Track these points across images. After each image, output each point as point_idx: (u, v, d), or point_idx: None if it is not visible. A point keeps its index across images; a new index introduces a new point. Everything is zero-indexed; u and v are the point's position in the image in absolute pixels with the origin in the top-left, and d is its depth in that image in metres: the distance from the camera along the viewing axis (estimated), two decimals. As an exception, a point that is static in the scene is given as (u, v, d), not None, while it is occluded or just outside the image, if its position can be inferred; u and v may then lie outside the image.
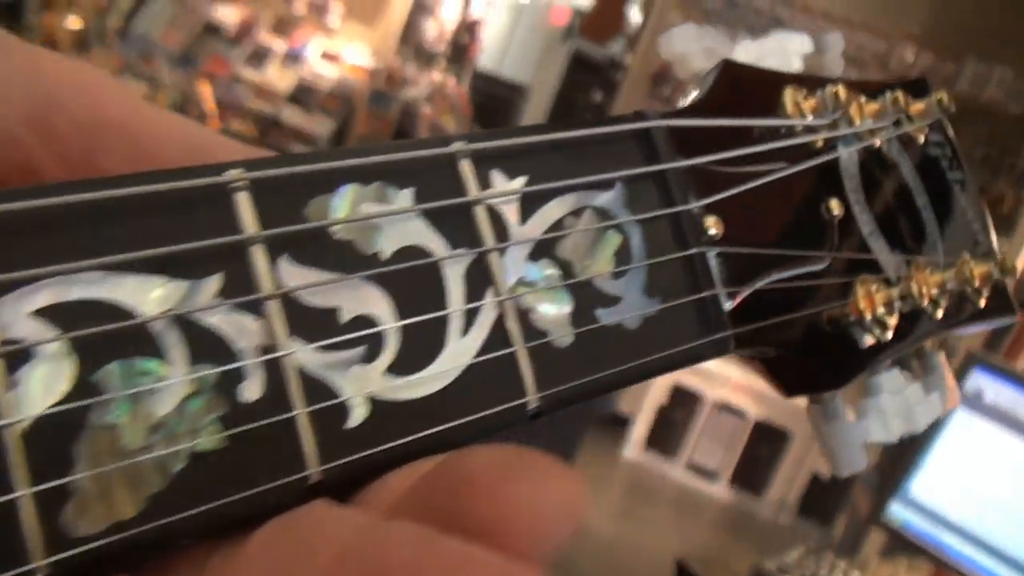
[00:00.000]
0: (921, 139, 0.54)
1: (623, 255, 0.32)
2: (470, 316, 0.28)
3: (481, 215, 0.29)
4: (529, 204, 0.30)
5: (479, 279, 0.29)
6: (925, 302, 0.48)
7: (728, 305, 0.35)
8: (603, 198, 0.32)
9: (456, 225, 0.29)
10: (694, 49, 0.56)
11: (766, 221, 0.39)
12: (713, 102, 0.39)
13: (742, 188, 0.36)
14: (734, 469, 3.94)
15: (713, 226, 0.35)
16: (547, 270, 0.31)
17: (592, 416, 2.68)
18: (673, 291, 0.33)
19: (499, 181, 0.30)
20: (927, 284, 0.47)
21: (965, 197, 0.56)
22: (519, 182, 0.30)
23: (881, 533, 2.16)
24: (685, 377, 3.93)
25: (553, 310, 0.30)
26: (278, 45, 4.83)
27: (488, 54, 5.19)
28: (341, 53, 4.83)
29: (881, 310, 0.43)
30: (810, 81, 0.45)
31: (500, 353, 0.29)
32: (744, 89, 0.42)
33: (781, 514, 3.96)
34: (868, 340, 0.44)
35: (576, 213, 0.32)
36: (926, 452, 1.92)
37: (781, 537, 3.79)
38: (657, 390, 3.99)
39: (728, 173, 0.37)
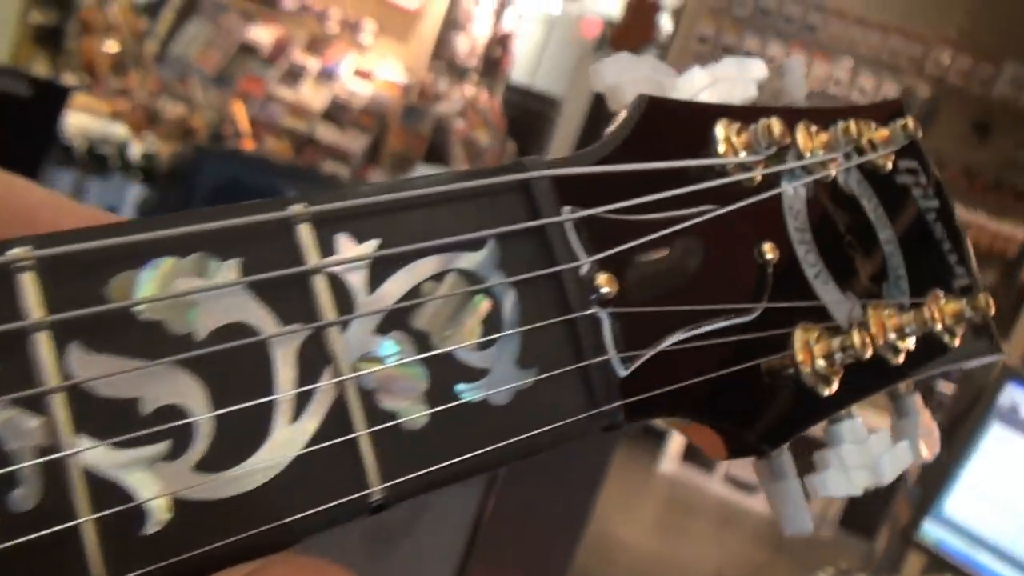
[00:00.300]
0: (888, 166, 0.50)
1: (492, 322, 0.29)
2: (302, 400, 0.26)
3: (320, 285, 0.26)
4: (380, 270, 0.27)
5: (315, 358, 0.26)
6: (876, 349, 0.44)
7: (622, 372, 0.32)
8: (471, 259, 0.29)
9: (289, 298, 0.26)
10: (627, 80, 0.52)
11: (679, 273, 0.36)
12: (629, 142, 0.37)
13: (643, 239, 0.33)
14: (774, 482, 3.87)
15: (606, 284, 0.31)
16: (399, 344, 0.28)
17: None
18: (553, 360, 0.30)
19: (345, 246, 0.27)
20: (885, 328, 0.44)
21: (941, 227, 0.53)
22: (369, 246, 0.27)
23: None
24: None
25: (404, 388, 0.27)
26: (312, 63, 4.86)
27: (520, 67, 5.18)
28: (374, 70, 4.85)
29: (821, 362, 0.40)
30: (747, 113, 0.42)
31: (338, 440, 0.26)
32: (667, 126, 0.39)
33: (822, 528, 3.88)
34: (816, 392, 0.41)
35: (438, 277, 0.29)
36: (961, 469, 1.86)
37: (823, 551, 3.71)
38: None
39: (631, 223, 0.34)
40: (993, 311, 0.48)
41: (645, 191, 0.35)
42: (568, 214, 0.31)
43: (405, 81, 4.88)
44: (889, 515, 3.13)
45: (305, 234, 0.26)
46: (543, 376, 0.30)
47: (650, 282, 0.34)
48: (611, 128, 0.37)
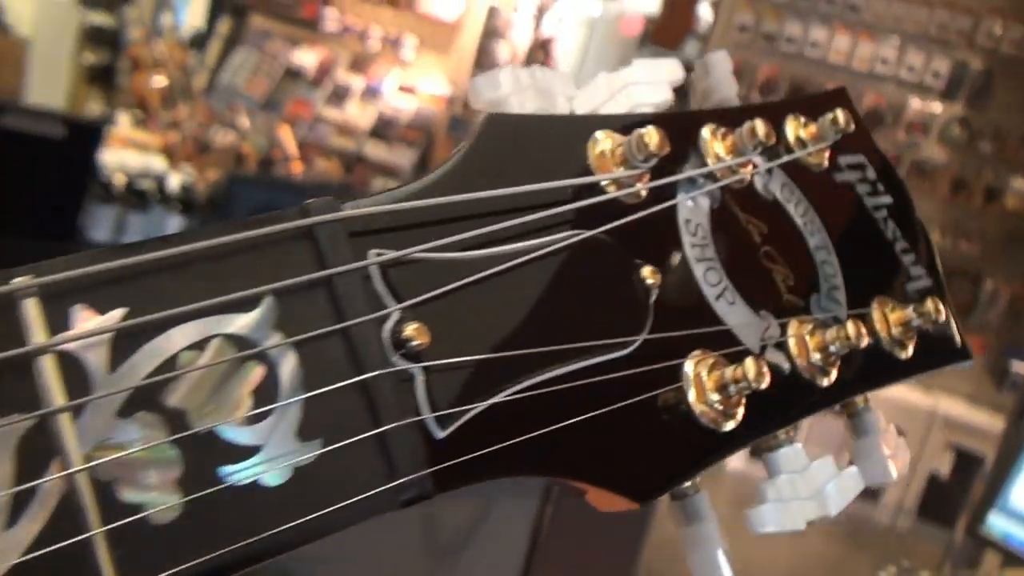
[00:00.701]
0: (823, 164, 0.46)
1: (266, 391, 0.26)
2: (21, 500, 0.22)
3: (48, 367, 0.23)
4: (126, 343, 0.24)
5: (40, 450, 0.23)
6: (797, 370, 0.40)
7: (440, 433, 0.28)
8: (240, 321, 0.26)
9: (9, 385, 0.23)
10: (508, 94, 0.47)
11: (525, 312, 0.32)
12: (468, 168, 0.33)
13: (472, 277, 0.30)
14: (845, 475, 3.76)
15: (417, 335, 0.28)
16: (146, 426, 0.24)
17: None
18: (342, 428, 0.27)
19: (82, 319, 0.24)
20: (807, 348, 0.40)
21: (895, 225, 0.48)
22: (112, 316, 0.24)
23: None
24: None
25: (151, 476, 0.24)
26: (356, 82, 4.89)
27: (564, 70, 5.14)
28: (417, 84, 4.86)
29: (714, 396, 0.36)
30: (626, 123, 0.38)
31: (66, 543, 0.23)
32: (524, 146, 0.35)
33: (899, 518, 3.76)
34: (713, 428, 0.37)
35: (199, 345, 0.25)
36: None
37: (901, 543, 3.60)
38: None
39: (459, 261, 0.31)
40: (944, 316, 0.44)
41: (486, 222, 0.32)
42: (374, 258, 0.28)
43: (449, 93, 4.88)
44: (967, 504, 3.01)
45: (31, 310, 0.23)
46: (329, 448, 0.26)
47: (482, 326, 0.31)
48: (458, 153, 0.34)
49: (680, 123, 0.41)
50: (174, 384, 0.25)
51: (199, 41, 5.48)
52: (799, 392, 0.40)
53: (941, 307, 0.44)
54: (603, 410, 0.33)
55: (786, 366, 0.40)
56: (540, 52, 5.13)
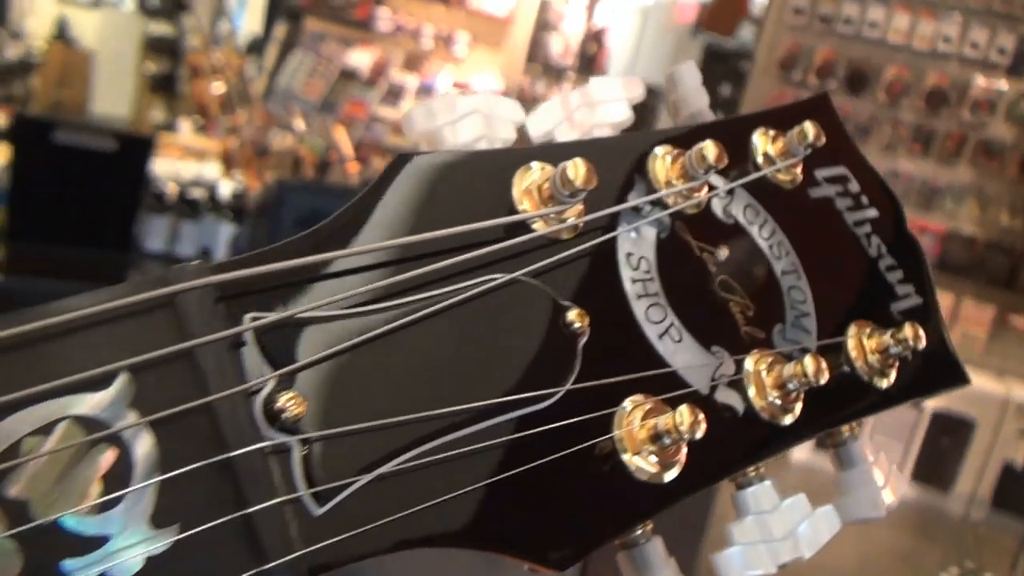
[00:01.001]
0: (796, 180, 0.44)
1: (117, 476, 0.24)
2: None
3: None
4: None
5: None
6: (755, 411, 0.38)
7: (317, 510, 0.26)
8: (91, 402, 0.24)
9: None
10: (442, 124, 0.44)
11: (427, 369, 0.30)
12: (376, 212, 0.32)
13: (364, 336, 0.29)
14: (915, 464, 3.67)
15: (291, 405, 0.26)
16: None
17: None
18: (202, 512, 0.25)
19: None
20: (764, 386, 0.38)
21: (879, 240, 0.46)
22: None
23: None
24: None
25: None
26: (410, 81, 4.91)
27: (618, 61, 5.09)
28: (471, 80, 4.86)
29: (649, 447, 0.33)
30: (558, 154, 0.37)
31: None
32: (440, 186, 0.34)
33: (973, 509, 3.65)
34: (660, 478, 0.35)
35: (45, 429, 0.24)
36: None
37: (975, 534, 3.49)
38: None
39: (347, 320, 0.29)
40: (924, 343, 0.41)
41: (389, 272, 0.30)
42: (248, 323, 0.27)
43: (502, 88, 4.87)
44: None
45: None
46: (185, 535, 0.25)
47: (377, 389, 0.29)
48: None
49: (626, 148, 0.39)
50: (15, 473, 0.24)
51: (257, 46, 5.55)
52: (756, 433, 0.38)
53: (921, 333, 0.41)
54: (517, 471, 0.31)
55: (740, 406, 0.37)
56: (593, 43, 5.09)
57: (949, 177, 3.71)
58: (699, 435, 0.33)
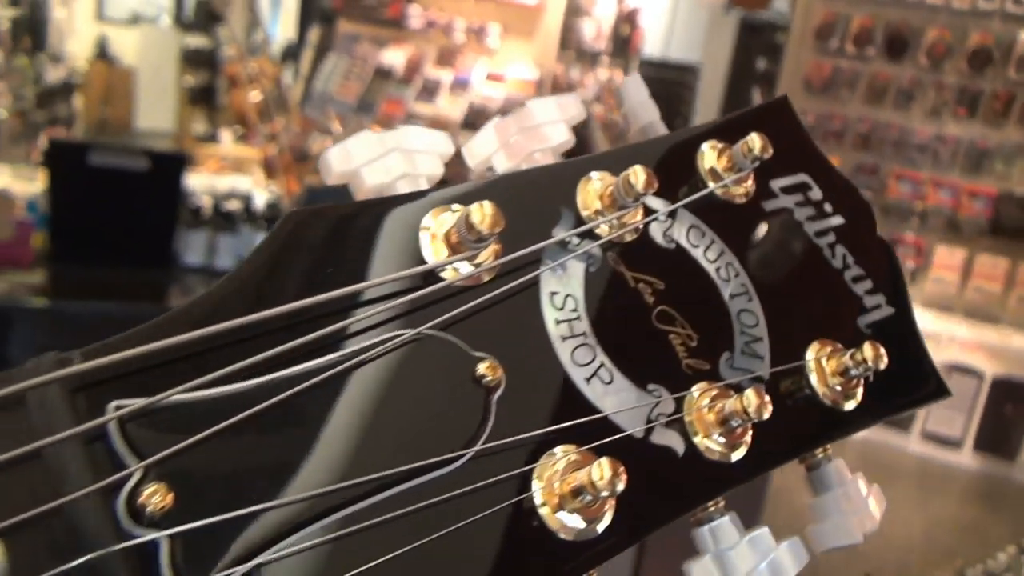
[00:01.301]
0: (747, 195, 0.42)
1: None
2: None
3: None
4: None
5: None
6: (696, 453, 0.36)
7: None
8: None
9: None
10: (361, 164, 0.39)
11: (315, 442, 0.29)
12: (265, 276, 0.30)
13: (240, 416, 0.27)
14: (977, 434, 3.58)
15: (155, 499, 0.25)
16: None
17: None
18: None
19: None
20: (706, 423, 0.36)
21: (844, 249, 0.44)
22: None
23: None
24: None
25: None
26: (445, 76, 4.91)
27: (652, 40, 5.03)
28: (505, 71, 4.84)
29: (572, 504, 0.32)
30: (468, 194, 0.35)
31: None
32: (337, 243, 0.32)
33: (1041, 477, 3.56)
34: (586, 535, 0.33)
35: None
36: None
37: (1043, 503, 3.41)
38: (879, 361, 3.69)
39: (226, 398, 0.28)
40: (884, 363, 0.39)
41: (279, 340, 0.29)
42: (112, 413, 0.25)
43: (536, 77, 4.85)
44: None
45: None
46: None
47: (256, 470, 0.27)
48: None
49: (551, 179, 0.37)
50: None
51: (292, 52, 5.60)
52: (699, 473, 0.36)
53: (882, 352, 0.39)
54: (422, 542, 0.29)
55: (680, 447, 0.35)
56: (625, 25, 5.03)
57: (998, 138, 3.61)
58: (619, 488, 0.31)
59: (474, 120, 4.86)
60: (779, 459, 0.39)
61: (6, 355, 2.14)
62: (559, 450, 0.33)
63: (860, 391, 0.41)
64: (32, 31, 4.74)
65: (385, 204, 0.33)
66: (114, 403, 0.26)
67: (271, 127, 4.75)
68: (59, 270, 2.33)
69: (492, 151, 0.42)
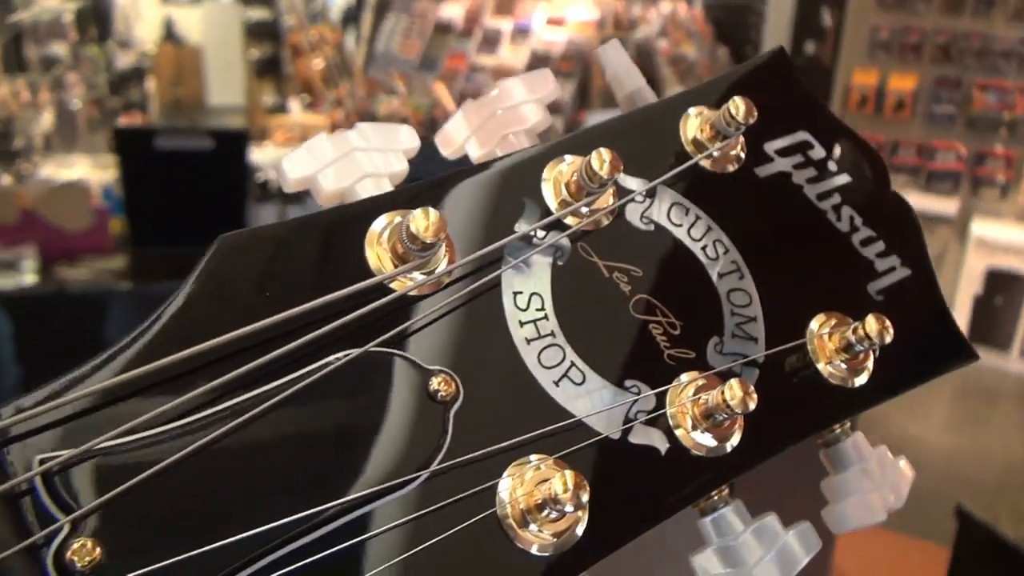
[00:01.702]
0: (738, 162, 0.40)
1: None
2: None
3: None
4: None
5: None
6: (679, 452, 0.34)
7: None
8: None
9: None
10: (316, 170, 0.37)
11: (260, 476, 0.28)
12: (199, 308, 0.29)
13: (178, 456, 0.26)
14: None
15: (82, 554, 0.25)
16: None
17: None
18: None
19: None
20: (691, 418, 0.34)
21: (852, 211, 0.41)
22: None
23: None
24: (999, 258, 3.50)
25: None
26: (505, 25, 4.86)
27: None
28: (565, 14, 4.77)
29: (538, 515, 0.30)
30: (410, 198, 0.34)
31: None
32: (276, 265, 0.31)
33: None
34: (558, 550, 0.32)
35: None
36: None
37: None
38: (969, 278, 3.58)
39: (162, 439, 0.27)
40: (890, 336, 0.37)
41: (217, 372, 0.28)
42: (37, 468, 0.25)
43: (597, 16, 4.76)
44: None
45: None
46: None
47: (194, 512, 0.27)
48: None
49: (511, 171, 0.36)
50: None
51: (352, 16, 5.60)
52: (685, 470, 0.34)
53: (888, 324, 0.36)
54: (377, 569, 0.28)
55: (662, 444, 0.34)
56: (685, -46, 4.89)
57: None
58: (583, 499, 0.29)
59: (537, 66, 4.81)
60: (782, 444, 0.37)
61: (104, 338, 2.21)
62: (534, 458, 0.31)
63: (870, 364, 0.38)
64: (98, 20, 4.82)
65: (324, 218, 0.32)
66: (38, 457, 0.25)
67: (337, 92, 4.77)
68: (139, 253, 2.39)
69: (464, 137, 0.40)
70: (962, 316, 3.62)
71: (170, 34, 5.87)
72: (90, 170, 2.96)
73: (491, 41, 4.93)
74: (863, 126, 4.19)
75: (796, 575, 0.37)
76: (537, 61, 4.80)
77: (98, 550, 0.25)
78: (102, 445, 0.26)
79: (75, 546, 0.25)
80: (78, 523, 0.25)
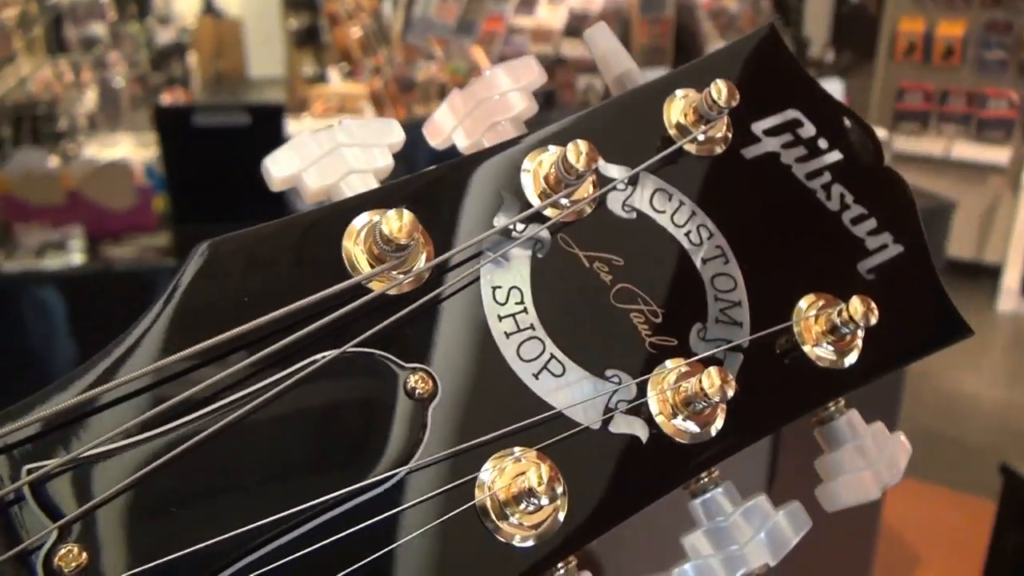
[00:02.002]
0: (724, 145, 0.39)
1: None
2: None
3: None
4: None
5: None
6: (665, 437, 0.34)
7: None
8: None
9: None
10: (301, 168, 0.34)
11: (240, 477, 0.28)
12: (182, 314, 0.30)
13: (160, 461, 0.27)
14: None
15: (69, 560, 0.25)
16: None
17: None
18: None
19: None
20: (673, 405, 0.34)
21: (843, 188, 0.41)
22: None
23: None
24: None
25: None
26: (542, -16, 4.82)
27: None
28: (603, -30, 4.72)
29: (517, 507, 0.31)
30: (387, 197, 0.34)
31: None
32: (253, 270, 0.32)
33: None
34: (534, 540, 0.32)
35: None
36: None
37: None
38: (1023, 228, 3.50)
39: (145, 445, 0.28)
40: (875, 317, 0.36)
41: (197, 378, 0.29)
42: (25, 476, 0.26)
43: (634, -29, 4.70)
44: None
45: None
46: None
47: (177, 516, 0.27)
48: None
49: (489, 165, 0.36)
50: None
51: (388, -20, 5.58)
52: (668, 457, 0.34)
53: (873, 306, 0.36)
54: (358, 565, 0.29)
55: (643, 432, 0.34)
56: (723, -96, 4.80)
57: None
58: (558, 491, 0.30)
59: (577, 26, 4.76)
60: (768, 428, 0.37)
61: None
62: (517, 450, 0.32)
63: (858, 344, 0.38)
64: (136, -3, 4.86)
65: (303, 221, 0.32)
66: (27, 467, 0.26)
67: (375, 60, 4.77)
68: (183, 230, 2.42)
69: (452, 128, 0.40)
70: (1015, 268, 3.55)
71: (209, 7, 5.90)
72: (133, 149, 3.00)
73: (528, 2, 4.89)
74: (911, 75, 4.10)
75: (785, 554, 0.37)
76: (575, 20, 4.76)
77: (84, 555, 0.26)
78: (87, 453, 0.27)
79: (62, 552, 0.26)
80: (65, 529, 0.26)
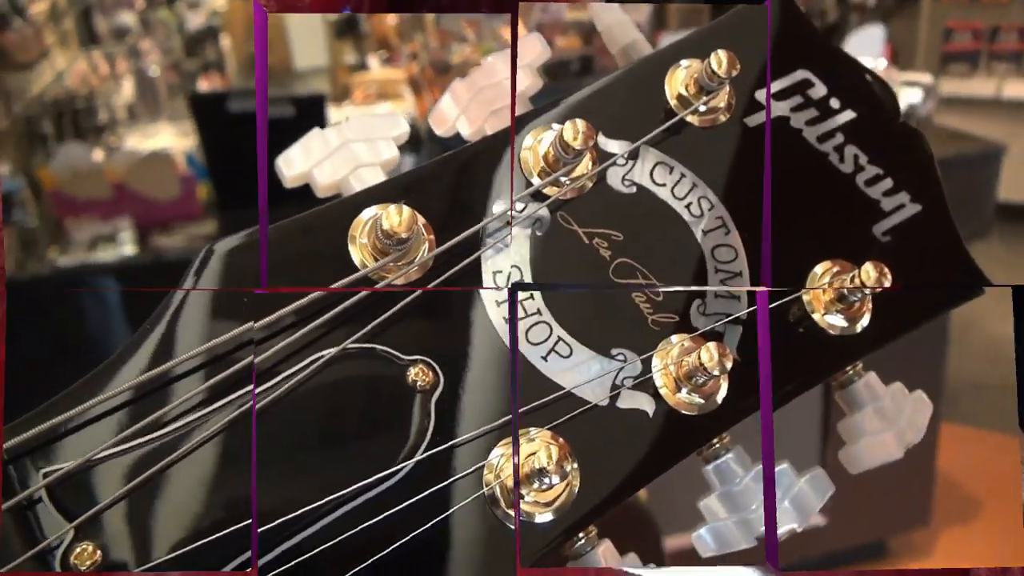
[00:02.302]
0: (728, 114, 0.39)
1: None
2: None
3: None
4: None
5: None
6: (672, 410, 0.34)
7: None
8: None
9: None
10: (315, 164, 0.34)
11: (246, 473, 0.29)
12: (197, 311, 0.31)
13: (167, 461, 0.28)
14: None
15: (83, 559, 0.27)
16: None
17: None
18: None
19: None
20: (677, 379, 0.34)
21: (857, 149, 0.40)
22: None
23: None
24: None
25: None
26: (574, -51, 4.79)
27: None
28: (634, -68, 4.67)
29: (529, 487, 0.32)
30: (385, 195, 0.34)
31: None
32: (254, 271, 0.32)
33: None
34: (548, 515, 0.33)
35: None
36: None
37: None
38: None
39: (153, 444, 0.28)
40: (888, 282, 0.36)
41: (201, 377, 0.30)
42: (40, 481, 0.27)
43: (667, -69, 4.65)
44: None
45: None
46: None
47: (196, 507, 0.28)
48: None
49: (485, 151, 0.36)
50: None
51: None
52: (673, 430, 0.34)
53: (886, 271, 0.36)
54: (373, 559, 0.29)
55: (649, 406, 0.34)
56: None
57: None
58: (567, 469, 0.31)
59: (610, -10, 4.72)
60: (782, 397, 0.37)
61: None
62: (532, 431, 0.32)
63: (869, 307, 0.38)
64: (167, -17, 4.89)
65: (307, 220, 0.33)
66: (43, 470, 0.27)
67: (411, 46, 4.78)
68: (228, 217, 2.45)
69: (455, 118, 0.41)
70: (1071, 211, 3.47)
71: (242, -9, 5.91)
72: (173, 138, 3.03)
73: (561, -32, 4.87)
74: (958, 13, 4.00)
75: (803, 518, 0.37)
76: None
77: (98, 553, 0.28)
78: (100, 455, 0.28)
79: (77, 550, 0.27)
80: (79, 529, 0.27)
